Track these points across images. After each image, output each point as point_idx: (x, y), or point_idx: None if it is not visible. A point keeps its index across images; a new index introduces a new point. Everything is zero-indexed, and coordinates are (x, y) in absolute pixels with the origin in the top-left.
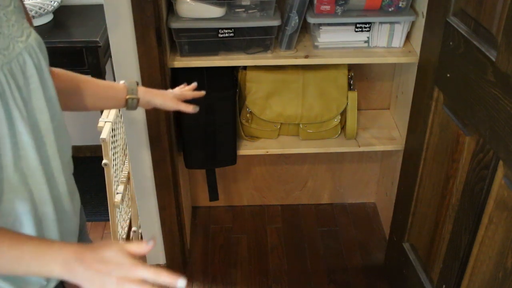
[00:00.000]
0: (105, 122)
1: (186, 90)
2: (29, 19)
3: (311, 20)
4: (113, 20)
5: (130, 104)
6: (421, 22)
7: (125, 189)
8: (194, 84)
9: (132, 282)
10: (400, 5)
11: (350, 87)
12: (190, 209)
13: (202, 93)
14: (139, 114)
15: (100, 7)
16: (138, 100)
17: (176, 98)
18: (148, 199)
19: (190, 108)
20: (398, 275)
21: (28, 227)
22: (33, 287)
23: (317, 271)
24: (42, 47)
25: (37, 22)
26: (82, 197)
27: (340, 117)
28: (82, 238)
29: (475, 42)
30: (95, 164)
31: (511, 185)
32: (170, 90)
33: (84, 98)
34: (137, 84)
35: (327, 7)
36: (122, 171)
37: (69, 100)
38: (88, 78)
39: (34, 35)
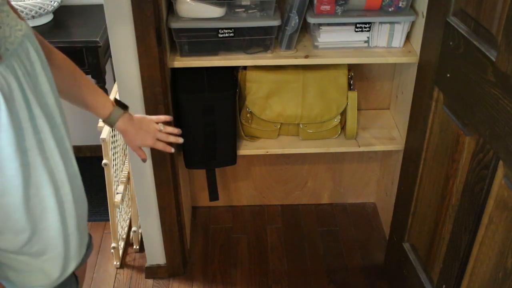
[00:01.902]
0: None
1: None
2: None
3: (311, 20)
4: (113, 20)
5: (104, 124)
6: (421, 22)
7: (125, 189)
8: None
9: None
10: (400, 5)
11: (350, 87)
12: (190, 209)
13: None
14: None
15: (100, 7)
16: (111, 126)
17: (139, 146)
18: (148, 199)
19: (143, 157)
20: (398, 275)
21: (51, 210)
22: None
23: (317, 271)
24: (35, 35)
25: (37, 22)
26: None
27: (340, 117)
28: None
29: (475, 42)
30: (95, 164)
31: (511, 185)
32: (150, 135)
33: (74, 94)
34: (125, 110)
35: (327, 7)
36: (122, 171)
37: (63, 87)
38: (88, 81)
39: (25, 23)
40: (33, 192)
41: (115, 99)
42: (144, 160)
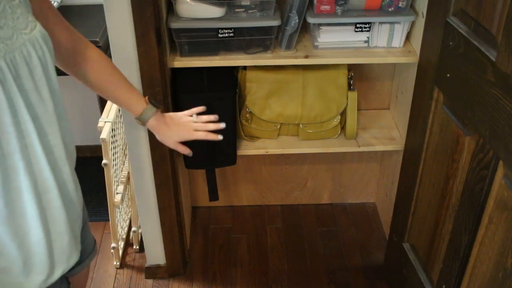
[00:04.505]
0: (105, 122)
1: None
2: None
3: (311, 20)
4: (113, 20)
5: (136, 122)
6: (421, 22)
7: (125, 189)
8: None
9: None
10: (400, 5)
11: (350, 87)
12: (190, 209)
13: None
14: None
15: (100, 7)
16: (143, 124)
17: (178, 141)
18: (148, 199)
19: (186, 152)
20: (398, 275)
21: (31, 215)
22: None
23: (317, 271)
24: (47, 41)
25: None
26: (82, 197)
27: (340, 117)
28: (85, 233)
29: (475, 42)
30: (95, 164)
31: (511, 185)
32: (186, 127)
33: (109, 90)
34: (156, 110)
35: (327, 7)
36: (122, 171)
37: (99, 80)
38: (123, 79)
39: (39, 28)
40: (14, 197)
41: (148, 98)
42: (189, 154)
